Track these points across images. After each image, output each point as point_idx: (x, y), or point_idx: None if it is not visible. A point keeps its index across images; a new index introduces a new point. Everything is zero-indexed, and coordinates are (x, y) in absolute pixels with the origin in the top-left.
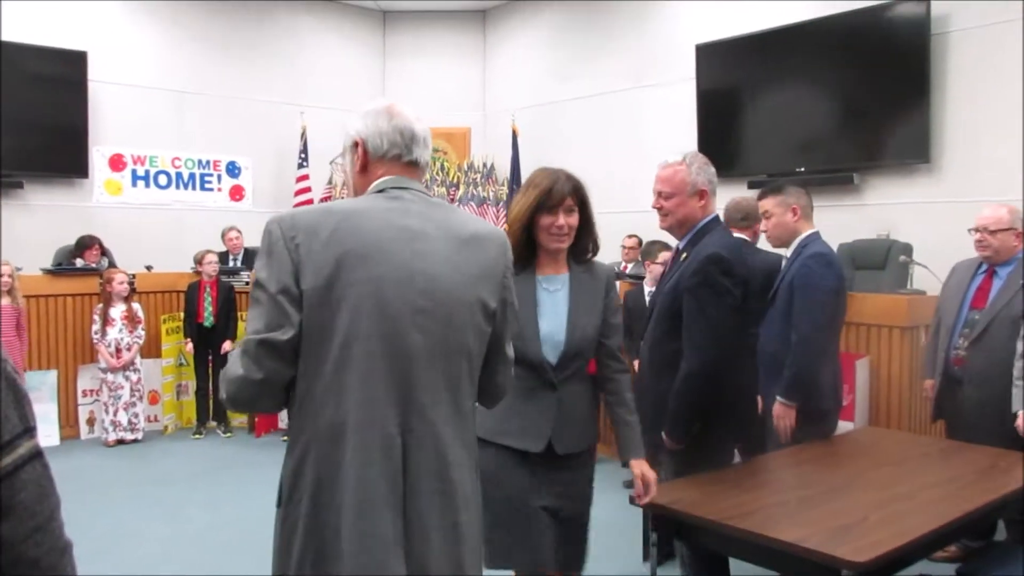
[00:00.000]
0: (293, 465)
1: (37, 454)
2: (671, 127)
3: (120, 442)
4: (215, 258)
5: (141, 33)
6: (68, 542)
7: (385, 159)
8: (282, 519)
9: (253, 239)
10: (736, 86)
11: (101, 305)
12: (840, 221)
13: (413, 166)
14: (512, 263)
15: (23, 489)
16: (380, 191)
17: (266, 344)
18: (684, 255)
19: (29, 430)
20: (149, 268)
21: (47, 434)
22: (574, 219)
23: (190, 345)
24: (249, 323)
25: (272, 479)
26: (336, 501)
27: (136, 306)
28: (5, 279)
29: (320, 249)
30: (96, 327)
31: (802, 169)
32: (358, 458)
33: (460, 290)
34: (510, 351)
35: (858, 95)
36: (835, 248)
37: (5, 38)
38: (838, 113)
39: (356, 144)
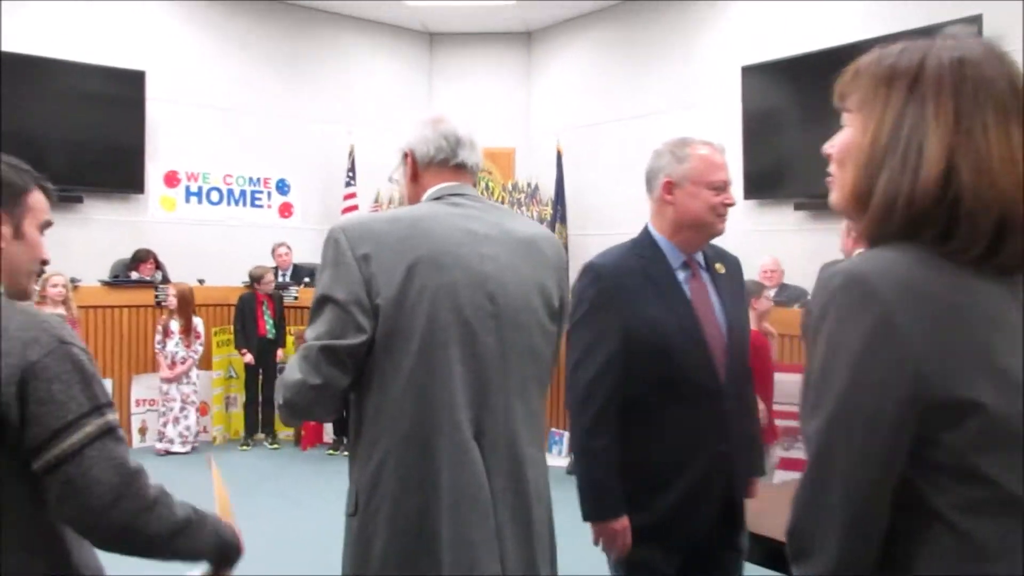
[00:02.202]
0: (370, 474)
1: (108, 431)
2: None
3: (169, 453)
4: (272, 276)
5: (197, 53)
6: (156, 493)
7: (433, 165)
8: (358, 527)
9: (301, 255)
10: (782, 108)
11: (164, 316)
12: None
13: (461, 169)
14: (566, 264)
15: (94, 465)
16: (438, 198)
17: (327, 350)
18: None
19: (98, 408)
20: (201, 282)
21: None
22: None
23: (249, 356)
24: (310, 330)
25: (317, 491)
26: (424, 506)
27: (197, 320)
28: (59, 290)
29: (391, 257)
30: (158, 338)
31: None
32: (447, 462)
33: (524, 292)
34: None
35: None
36: None
37: (68, 57)
38: None
39: (406, 155)
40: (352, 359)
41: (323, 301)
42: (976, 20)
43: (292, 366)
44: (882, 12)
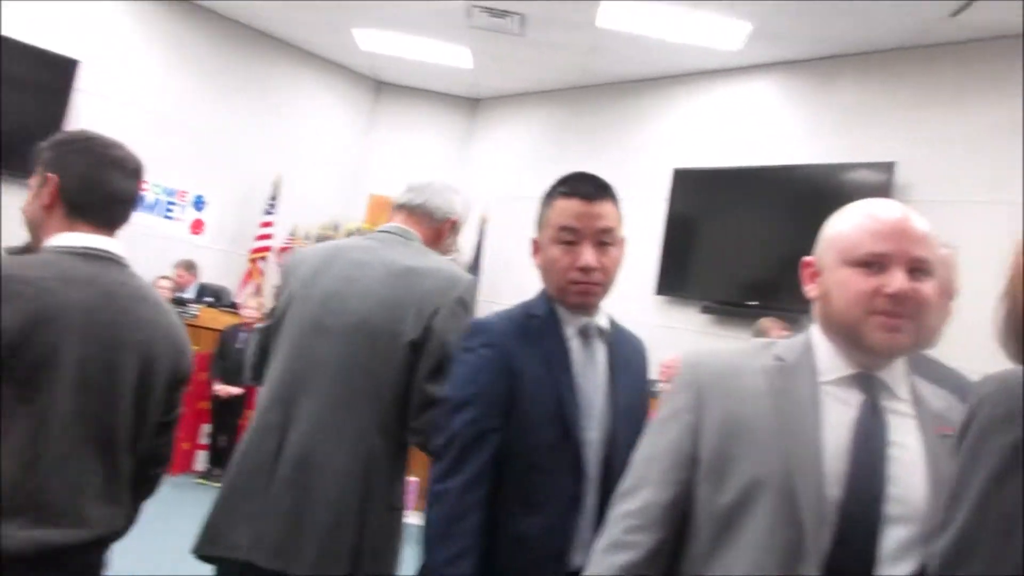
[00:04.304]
0: None
1: None
2: (637, 242)
3: None
4: (168, 284)
5: (137, 52)
6: None
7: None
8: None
9: (208, 275)
10: (704, 214)
11: None
12: None
13: (402, 209)
14: (461, 303)
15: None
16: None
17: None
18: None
19: None
20: None
21: None
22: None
23: None
24: None
25: (166, 524)
26: (228, 474)
27: None
28: None
29: (293, 280)
30: None
31: (756, 303)
32: (248, 443)
33: (372, 315)
34: (433, 389)
35: (813, 244)
36: None
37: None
38: (792, 257)
39: None
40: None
41: None
42: (889, 167)
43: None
44: (808, 142)
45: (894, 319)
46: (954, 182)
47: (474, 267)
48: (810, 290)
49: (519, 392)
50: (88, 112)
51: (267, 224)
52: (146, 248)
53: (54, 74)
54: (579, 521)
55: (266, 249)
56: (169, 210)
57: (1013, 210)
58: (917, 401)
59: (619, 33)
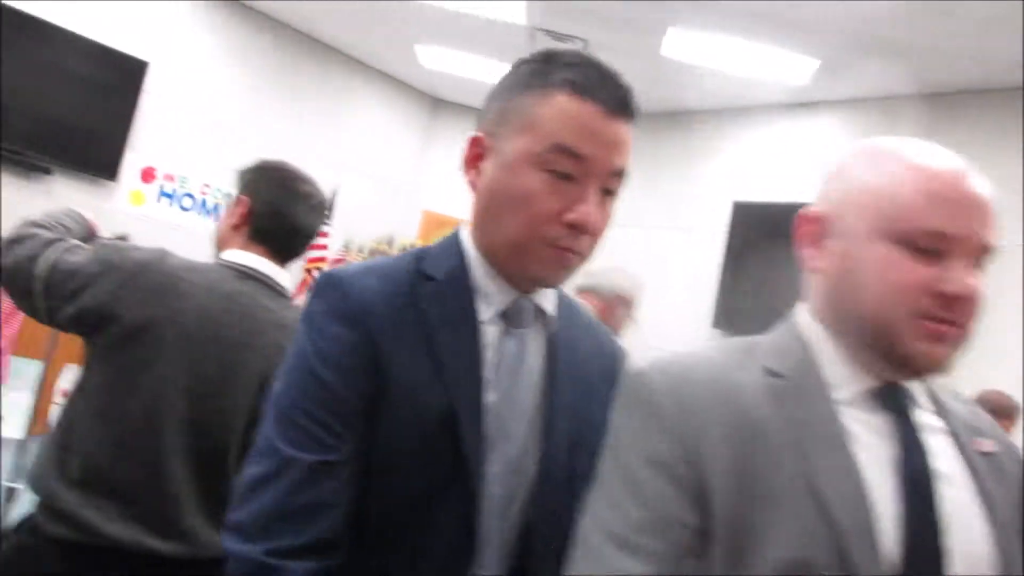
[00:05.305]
0: None
1: None
2: (695, 274)
3: None
4: None
5: (206, 58)
6: None
7: None
8: None
9: None
10: (763, 248)
11: None
12: None
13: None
14: None
15: None
16: None
17: None
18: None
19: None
20: None
21: (15, 423)
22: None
23: None
24: None
25: None
26: None
27: None
28: None
29: None
30: None
31: None
32: None
33: None
34: None
35: None
36: None
37: (68, 27)
38: None
39: None
40: None
41: None
42: None
43: None
44: None
45: (945, 327)
46: (1017, 227)
47: None
48: (812, 258)
49: (384, 400)
50: (153, 114)
51: (323, 235)
52: (202, 250)
53: (122, 74)
54: None
55: (322, 260)
56: None
57: None
58: (941, 410)
59: (683, 64)
